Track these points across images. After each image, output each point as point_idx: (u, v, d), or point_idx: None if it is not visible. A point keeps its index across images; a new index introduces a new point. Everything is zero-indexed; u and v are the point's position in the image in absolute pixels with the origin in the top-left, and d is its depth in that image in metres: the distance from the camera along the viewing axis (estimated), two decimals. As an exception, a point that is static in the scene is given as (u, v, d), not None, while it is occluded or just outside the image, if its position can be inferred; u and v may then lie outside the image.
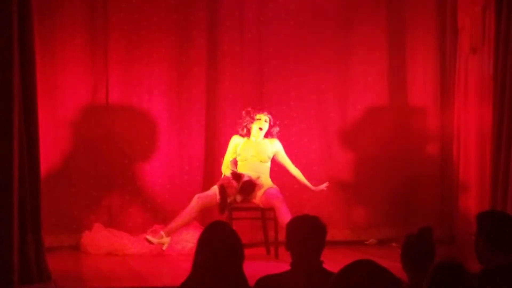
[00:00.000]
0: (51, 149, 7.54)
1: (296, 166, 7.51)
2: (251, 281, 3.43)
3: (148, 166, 7.93)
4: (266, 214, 7.27)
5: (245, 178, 7.02)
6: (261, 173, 7.17)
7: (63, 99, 7.73)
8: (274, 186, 7.16)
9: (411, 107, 8.43)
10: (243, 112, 7.36)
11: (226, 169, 7.26)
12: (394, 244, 7.76)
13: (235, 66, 8.13)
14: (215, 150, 7.99)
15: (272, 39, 8.21)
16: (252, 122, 7.30)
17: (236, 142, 7.34)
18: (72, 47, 7.74)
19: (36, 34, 6.05)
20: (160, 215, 7.80)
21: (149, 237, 6.94)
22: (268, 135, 7.37)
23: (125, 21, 7.88)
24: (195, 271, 3.31)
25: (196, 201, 7.04)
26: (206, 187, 7.56)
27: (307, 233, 3.52)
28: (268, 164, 7.27)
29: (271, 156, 7.30)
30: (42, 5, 7.43)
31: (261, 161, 7.21)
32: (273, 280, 3.48)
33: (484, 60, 7.55)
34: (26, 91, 5.79)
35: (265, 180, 7.16)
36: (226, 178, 7.07)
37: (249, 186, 7.03)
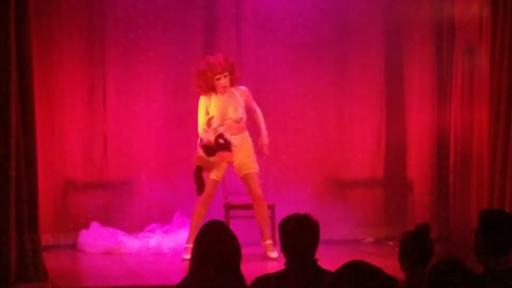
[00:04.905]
0: (48, 148, 7.53)
1: (294, 164, 7.48)
2: (249, 280, 3.43)
3: (145, 165, 7.93)
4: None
5: (221, 141, 6.76)
6: (242, 137, 6.94)
7: (61, 97, 7.72)
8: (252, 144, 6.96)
9: (408, 105, 8.43)
10: (197, 72, 6.90)
11: (202, 132, 6.90)
12: (391, 243, 7.76)
13: (232, 65, 8.11)
14: (212, 149, 7.98)
15: (269, 38, 8.20)
16: (212, 81, 6.88)
17: (206, 104, 6.93)
18: (69, 46, 7.73)
19: (33, 33, 6.04)
20: (157, 214, 7.80)
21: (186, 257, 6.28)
22: (235, 83, 7.00)
23: (122, 20, 7.88)
24: (192, 270, 3.32)
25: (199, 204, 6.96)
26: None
27: (298, 232, 3.51)
28: (244, 117, 6.96)
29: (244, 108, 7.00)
30: (39, 4, 7.42)
31: (238, 122, 6.91)
32: (269, 280, 3.49)
33: (481, 59, 7.55)
34: (24, 90, 5.79)
35: (245, 138, 6.96)
36: (199, 157, 6.88)
37: (224, 146, 6.78)
